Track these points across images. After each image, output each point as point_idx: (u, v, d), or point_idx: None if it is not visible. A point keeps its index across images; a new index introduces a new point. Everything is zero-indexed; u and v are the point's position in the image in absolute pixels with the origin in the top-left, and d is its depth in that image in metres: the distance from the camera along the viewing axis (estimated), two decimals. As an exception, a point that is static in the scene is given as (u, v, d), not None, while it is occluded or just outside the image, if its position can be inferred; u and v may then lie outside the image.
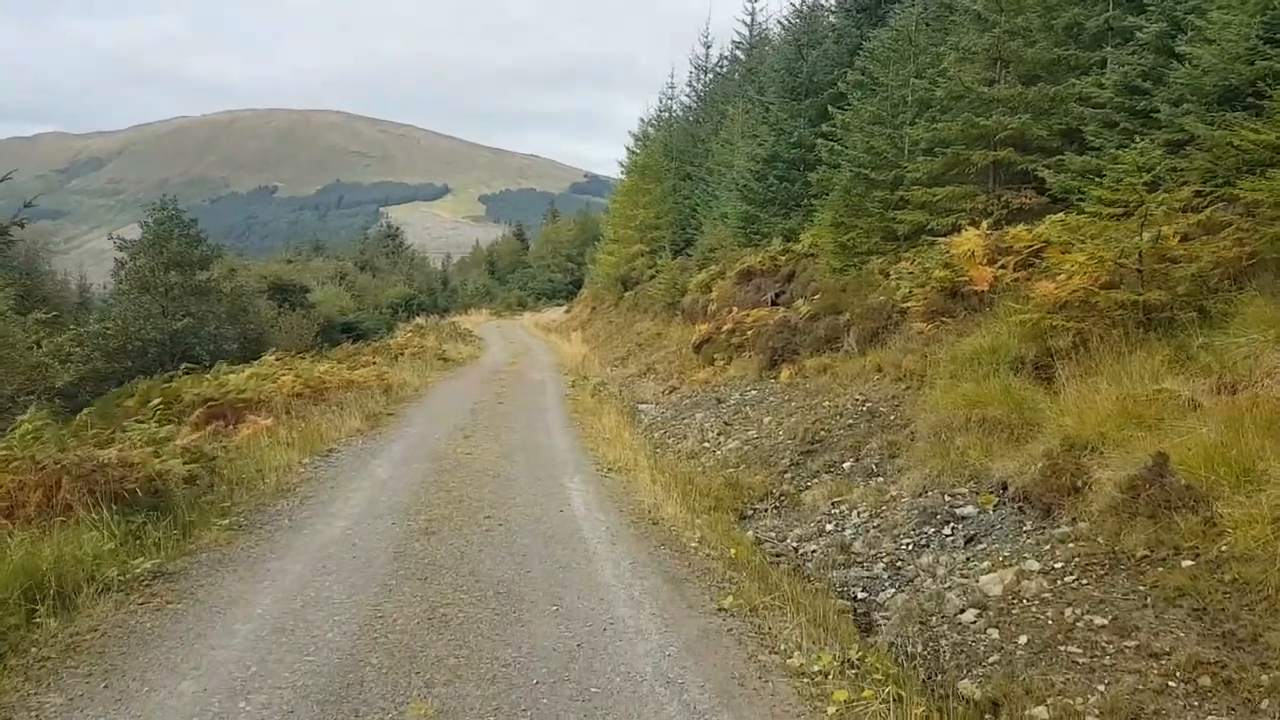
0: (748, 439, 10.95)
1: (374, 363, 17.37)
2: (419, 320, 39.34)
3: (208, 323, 22.49)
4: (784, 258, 20.85)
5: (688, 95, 44.42)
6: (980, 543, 5.92)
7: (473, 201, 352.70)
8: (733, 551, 5.58)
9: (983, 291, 10.59)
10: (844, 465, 9.40)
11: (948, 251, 10.71)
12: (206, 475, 6.92)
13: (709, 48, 46.78)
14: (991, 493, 6.61)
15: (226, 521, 6.40)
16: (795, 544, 7.38)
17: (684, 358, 21.16)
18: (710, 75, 42.86)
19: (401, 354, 20.99)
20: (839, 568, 6.45)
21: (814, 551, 7.04)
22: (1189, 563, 4.43)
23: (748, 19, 38.21)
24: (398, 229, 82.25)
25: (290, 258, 52.65)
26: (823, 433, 10.09)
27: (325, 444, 9.67)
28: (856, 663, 3.99)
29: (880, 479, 8.85)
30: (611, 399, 15.42)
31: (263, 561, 5.66)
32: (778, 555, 6.97)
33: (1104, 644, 4.09)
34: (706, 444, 11.69)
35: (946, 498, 6.87)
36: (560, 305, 63.52)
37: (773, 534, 7.82)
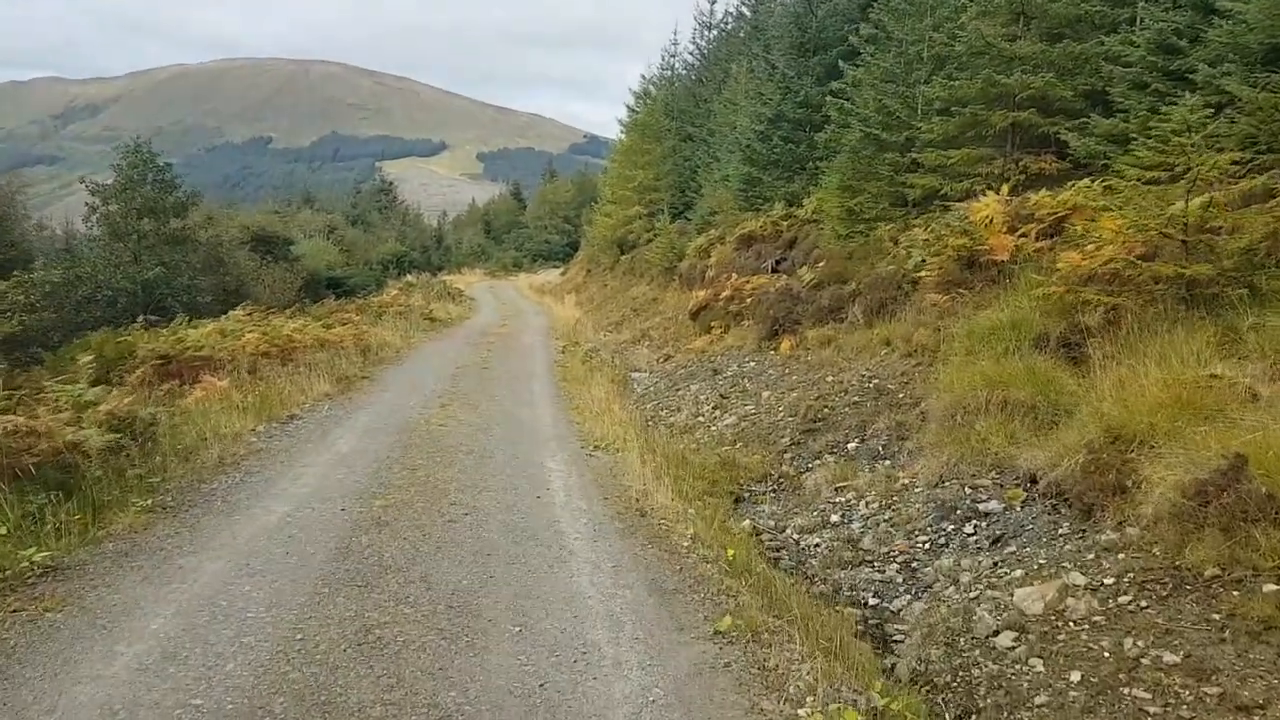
0: (745, 415, 10.22)
1: (354, 321, 16.56)
2: (409, 278, 38.44)
3: (181, 273, 21.47)
4: (786, 223, 20.06)
5: (691, 53, 43.19)
6: (1009, 545, 5.20)
7: (470, 159, 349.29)
8: (730, 553, 4.86)
9: (1002, 261, 9.81)
10: (848, 446, 8.69)
11: (965, 218, 9.90)
12: (137, 446, 6.13)
13: (714, 3, 45.50)
14: (1019, 486, 5.89)
15: (148, 502, 5.58)
16: (796, 535, 6.67)
17: (680, 325, 20.40)
18: (715, 32, 41.68)
19: (386, 312, 20.17)
20: (846, 567, 5.74)
21: (818, 546, 6.34)
22: (1273, 587, 3.72)
23: (753, -27, 36.89)
24: (391, 184, 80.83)
25: (277, 209, 51.38)
26: (826, 410, 9.36)
27: (286, 409, 8.91)
28: (881, 710, 3.26)
29: (888, 463, 8.15)
30: (603, 367, 14.66)
31: (177, 556, 4.84)
32: (777, 550, 6.26)
33: (1178, 688, 3.38)
34: (701, 418, 10.97)
35: (967, 490, 6.15)
36: (556, 267, 62.65)
37: (771, 523, 7.12)
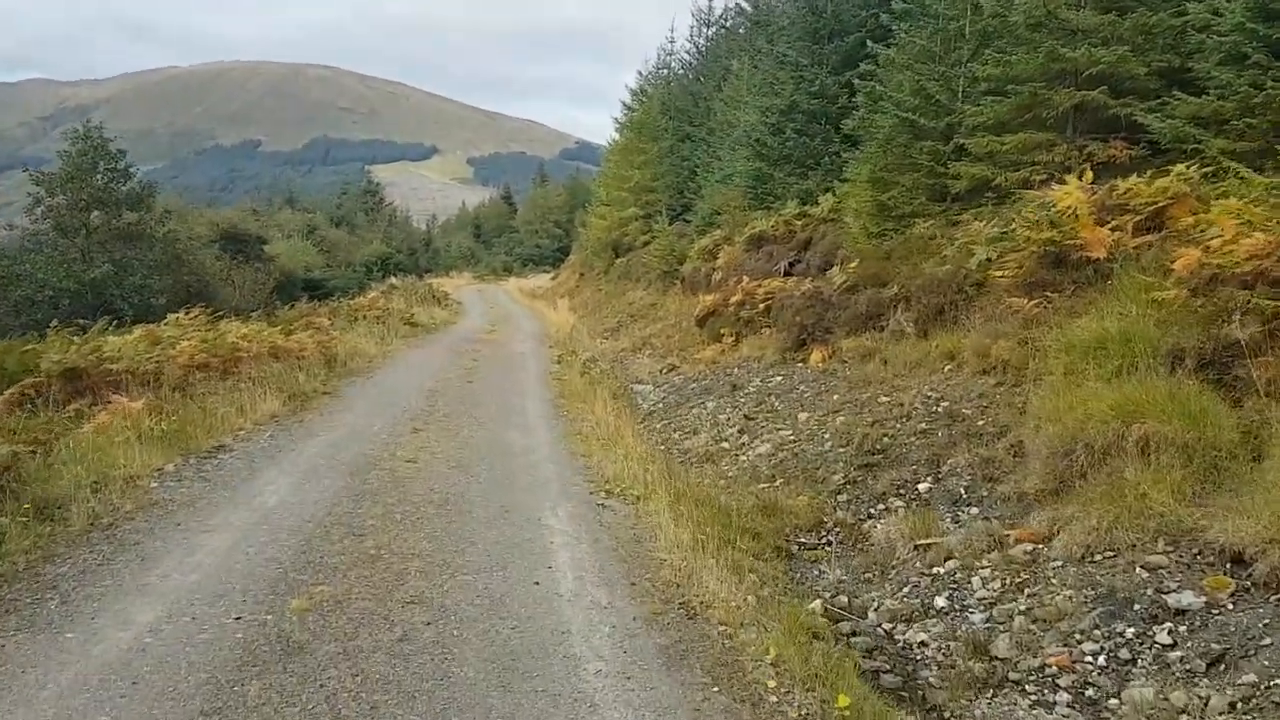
0: (782, 442, 8.48)
1: (324, 325, 14.77)
2: (393, 280, 36.63)
3: (133, 272, 19.54)
4: (800, 222, 18.37)
5: (688, 52, 41.59)
6: (1242, 671, 3.47)
7: (461, 163, 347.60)
8: (843, 702, 3.13)
9: (1098, 259, 8.11)
10: (919, 487, 6.98)
11: (1051, 207, 8.20)
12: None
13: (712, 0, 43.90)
14: (1218, 568, 4.16)
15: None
16: (888, 624, 4.93)
17: (685, 332, 18.69)
18: (713, 29, 40.10)
19: (362, 316, 18.38)
20: (983, 690, 4.00)
21: (926, 647, 4.60)
22: None
23: (754, -32, 35.25)
24: (378, 185, 79.03)
25: (256, 207, 49.40)
26: (885, 439, 7.64)
27: (213, 438, 7.15)
28: None
29: (975, 511, 6.45)
30: (605, 379, 12.92)
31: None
32: (869, 651, 4.50)
33: None
34: (725, 444, 9.23)
35: (1139, 571, 4.42)
36: (546, 271, 61.54)
37: (843, 598, 5.37)
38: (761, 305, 15.45)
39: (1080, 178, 9.78)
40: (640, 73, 40.91)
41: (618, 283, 33.42)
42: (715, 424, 10.20)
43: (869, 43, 15.20)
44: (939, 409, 7.78)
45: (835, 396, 9.23)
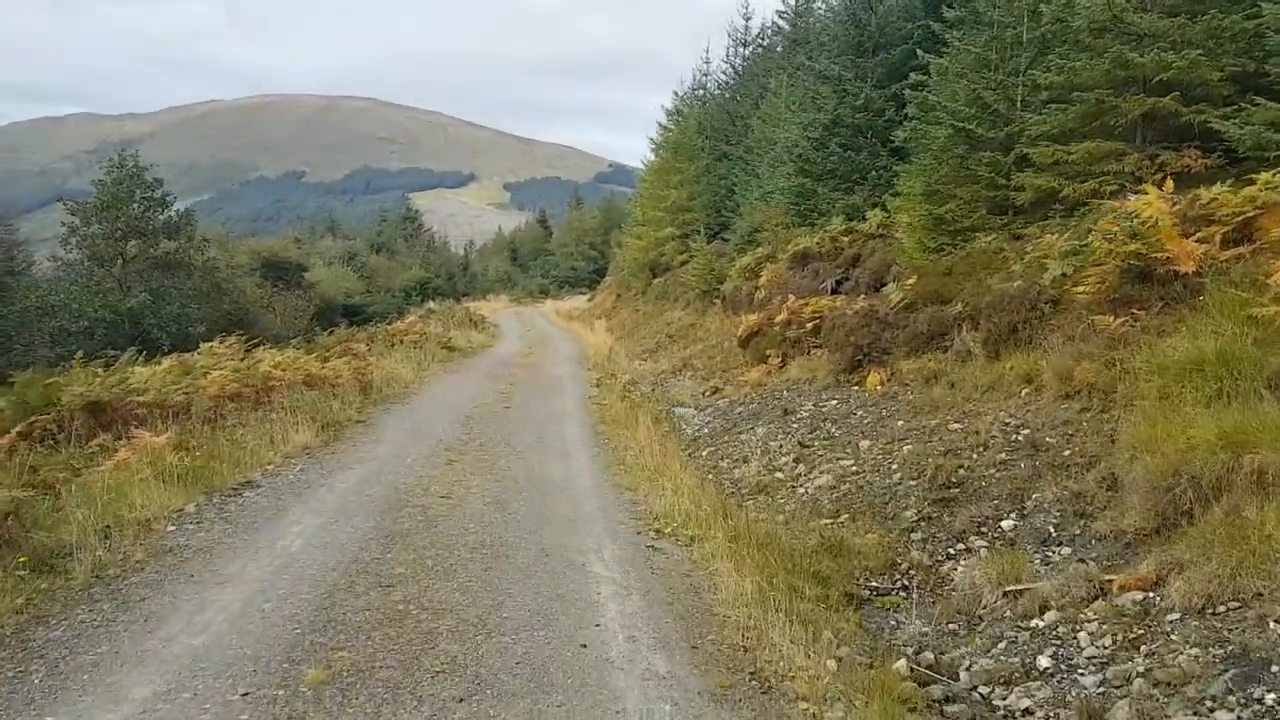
0: (844, 473, 7.87)
1: (361, 351, 14.41)
2: (431, 305, 36.47)
3: (170, 301, 19.40)
4: (847, 239, 17.78)
5: (724, 72, 41.26)
6: None
7: (497, 189, 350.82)
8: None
9: (1185, 273, 7.45)
10: (1002, 525, 6.35)
11: (1135, 217, 7.55)
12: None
13: (749, 20, 43.62)
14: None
15: None
16: (985, 688, 4.31)
17: (727, 353, 18.12)
18: (750, 49, 39.76)
19: (399, 341, 18.04)
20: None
21: (1028, 713, 3.98)
22: None
23: (793, -14, 34.84)
24: (417, 212, 79.55)
25: (298, 236, 49.67)
26: (961, 471, 7.01)
27: (241, 473, 6.72)
28: None
29: (1067, 550, 5.82)
30: (646, 403, 12.39)
31: None
32: (972, 724, 3.89)
33: None
34: (780, 474, 8.63)
35: (1275, 627, 3.77)
36: (582, 293, 61.42)
37: (929, 654, 4.75)
38: (809, 325, 14.86)
39: (1160, 187, 9.15)
40: (676, 93, 40.51)
41: (655, 303, 33.02)
42: (767, 451, 9.61)
43: (919, 52, 14.62)
44: (1019, 437, 7.14)
45: (899, 423, 8.61)
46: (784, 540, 6.34)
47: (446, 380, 14.29)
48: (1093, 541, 5.78)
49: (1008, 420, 7.45)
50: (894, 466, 7.59)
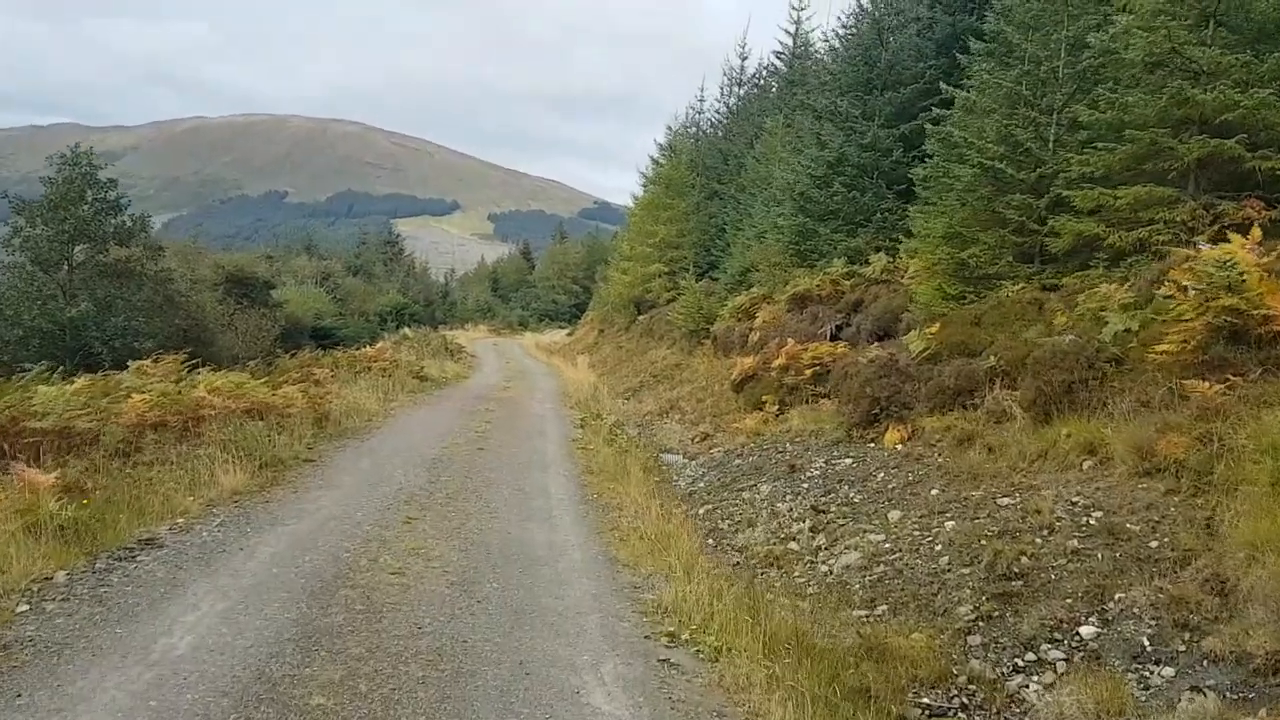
0: (875, 550, 6.70)
1: (322, 377, 13.12)
2: (406, 331, 35.14)
3: (116, 312, 17.93)
4: (849, 282, 16.78)
5: (718, 111, 40.69)
6: None
7: (481, 219, 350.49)
8: None
9: (1283, 334, 6.40)
10: (1080, 631, 5.22)
11: (1233, 268, 6.50)
12: None
13: (745, 59, 43.10)
14: None
15: None
16: None
17: (718, 396, 17.01)
18: (745, 88, 39.24)
19: (368, 368, 16.75)
20: None
21: None
22: None
23: (791, 28, 34.34)
24: (398, 236, 78.36)
25: (270, 253, 48.12)
26: (1024, 559, 5.85)
27: (143, 526, 5.45)
28: None
29: (1168, 670, 4.70)
30: (634, 448, 11.17)
31: None
32: None
33: None
34: (794, 546, 7.43)
35: None
36: (563, 327, 60.60)
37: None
38: (808, 371, 13.85)
39: (1213, 239, 8.18)
40: (669, 127, 39.87)
41: (640, 340, 32.04)
42: (775, 515, 8.42)
43: (943, 85, 13.69)
44: (1091, 521, 6.00)
45: (933, 491, 7.46)
46: (813, 637, 5.14)
47: (415, 414, 13.01)
48: (1205, 664, 4.64)
49: (1074, 499, 6.31)
50: (938, 547, 6.42)
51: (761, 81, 36.91)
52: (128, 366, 9.40)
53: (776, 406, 13.83)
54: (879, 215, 16.97)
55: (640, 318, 34.62)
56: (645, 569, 5.46)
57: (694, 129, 40.24)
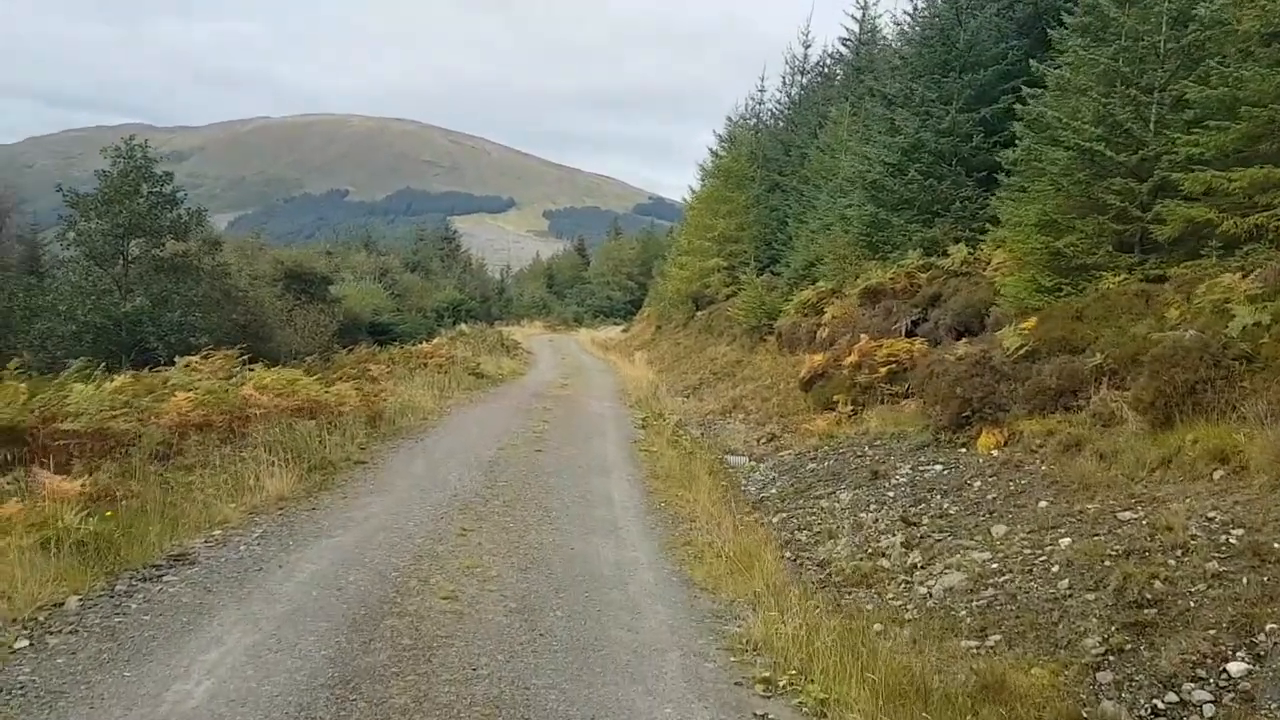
0: (980, 570, 5.99)
1: (378, 374, 12.73)
2: (463, 327, 34.92)
3: (172, 307, 17.65)
4: (925, 275, 15.90)
5: (778, 102, 39.74)
6: None
7: (537, 216, 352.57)
8: None
9: None
10: (1228, 668, 4.47)
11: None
12: None
13: (808, 48, 42.05)
14: None
15: None
16: None
17: (785, 395, 16.29)
18: (808, 77, 38.23)
19: (424, 364, 16.38)
20: None
21: None
22: None
23: (858, 13, 33.30)
24: (455, 232, 78.67)
25: (330, 248, 48.30)
26: (1157, 584, 5.10)
27: (174, 540, 5.00)
28: None
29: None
30: (699, 450, 10.55)
31: None
32: None
33: None
34: (885, 563, 6.75)
35: None
36: (618, 324, 60.15)
37: None
38: (883, 369, 13.11)
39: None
40: (729, 118, 39.02)
41: (698, 337, 31.41)
42: (859, 526, 7.73)
43: (1033, 64, 12.79)
44: (1230, 539, 5.23)
45: (1041, 504, 6.71)
46: (924, 675, 4.47)
47: (471, 412, 12.56)
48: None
49: (1209, 514, 5.54)
50: (1054, 568, 5.69)
51: (825, 70, 35.92)
52: (175, 363, 9.06)
53: (850, 406, 13.11)
54: (957, 204, 16.09)
55: (698, 313, 33.98)
56: (726, 594, 4.84)
57: (754, 120, 39.37)
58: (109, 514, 4.94)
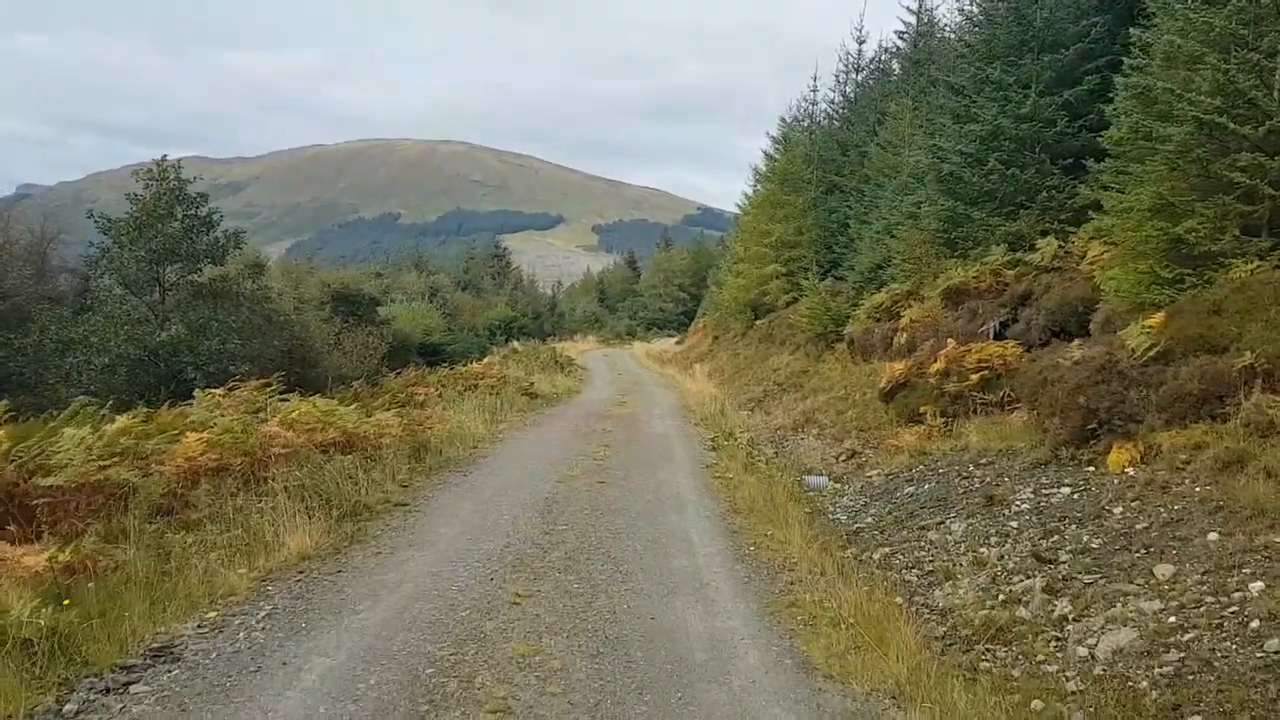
0: (1156, 625, 4.84)
1: (430, 397, 11.89)
2: (515, 344, 34.22)
3: (210, 335, 16.85)
4: (1012, 272, 14.67)
5: (831, 102, 38.51)
6: None
7: (586, 231, 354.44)
8: None
9: None
10: None
11: None
12: None
13: (862, 44, 40.75)
14: None
15: None
16: None
17: (863, 407, 15.12)
18: (863, 74, 36.96)
19: (475, 385, 15.54)
20: None
21: None
22: None
23: (914, 4, 31.99)
24: (505, 249, 78.48)
25: (380, 270, 48.01)
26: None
27: (160, 625, 4.08)
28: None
29: None
30: (780, 475, 9.50)
31: None
32: None
33: None
34: (1024, 611, 5.62)
35: None
36: (671, 335, 59.39)
37: None
38: (974, 377, 11.98)
39: None
40: (783, 119, 37.91)
41: (759, 346, 30.35)
42: (979, 563, 6.60)
43: (1131, 29, 11.54)
44: None
45: (1211, 536, 5.53)
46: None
47: (525, 437, 11.64)
48: None
49: None
50: (1253, 623, 4.53)
51: (881, 65, 34.66)
52: (194, 398, 8.27)
53: (940, 419, 11.96)
54: (1044, 194, 14.80)
55: (758, 322, 32.93)
56: (859, 683, 3.79)
57: (807, 121, 38.24)
58: (67, 603, 3.99)
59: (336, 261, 71.52)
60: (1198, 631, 4.64)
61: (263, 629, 4.36)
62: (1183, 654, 4.52)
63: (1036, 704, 4.36)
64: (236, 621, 4.40)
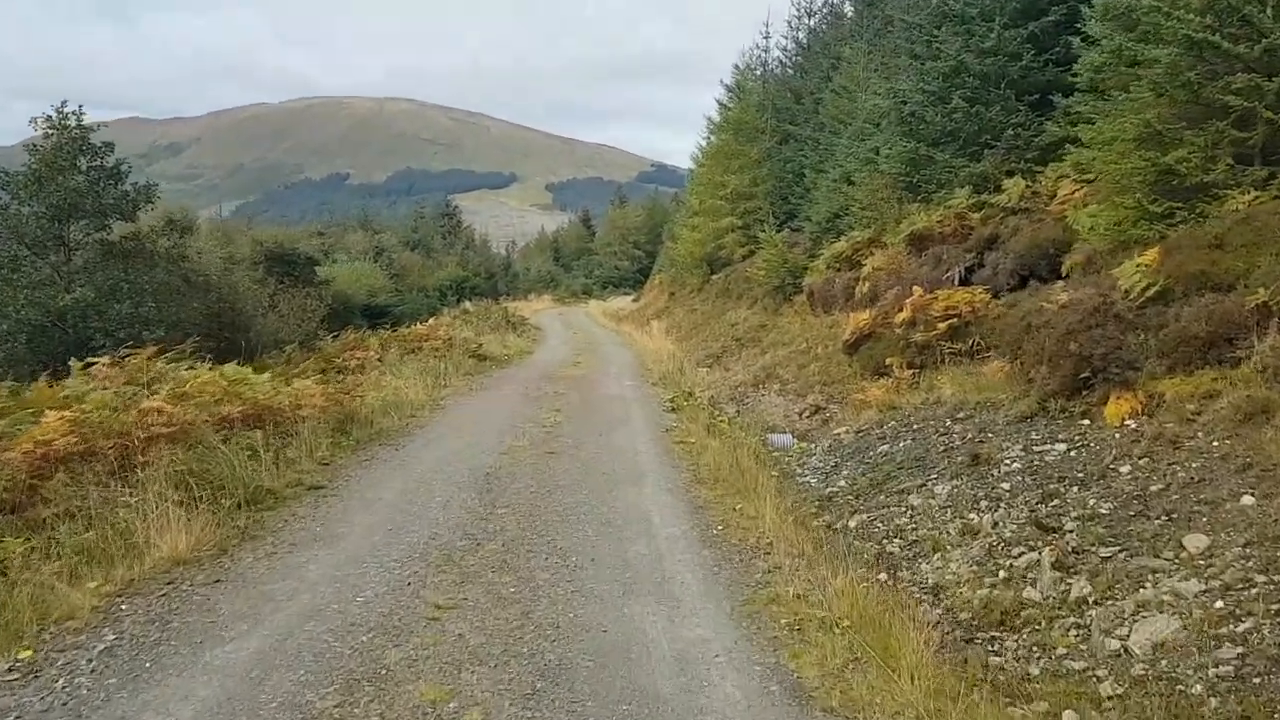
0: (1201, 613, 4.12)
1: (369, 361, 10.90)
2: (467, 305, 33.09)
3: (120, 298, 15.35)
4: (977, 215, 14.01)
5: (785, 50, 37.54)
6: None
7: (539, 190, 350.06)
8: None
9: None
10: None
11: None
12: None
13: (816, -13, 39.52)
14: None
15: None
16: None
17: (826, 360, 14.45)
18: (816, 18, 35.98)
19: (419, 348, 14.56)
20: None
21: None
22: None
23: (868, -58, 30.93)
24: (456, 209, 76.63)
25: (321, 229, 46.10)
26: None
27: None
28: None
29: None
30: (743, 434, 8.73)
31: None
32: None
33: None
34: (1032, 593, 4.90)
35: None
36: (627, 294, 58.86)
37: None
38: (941, 325, 11.35)
39: None
40: (736, 66, 36.84)
41: (715, 301, 29.67)
42: (970, 532, 5.89)
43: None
44: None
45: (1245, 499, 4.83)
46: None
47: (469, 404, 10.72)
48: None
49: None
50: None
51: (834, 7, 33.71)
52: (70, 371, 7.21)
53: (907, 370, 11.33)
54: (1010, 132, 14.10)
55: (714, 277, 32.28)
56: (867, 715, 2.98)
57: (760, 70, 37.26)
58: None
59: (281, 224, 69.40)
60: (1254, 620, 3.92)
61: (92, 672, 3.32)
62: (1241, 649, 3.80)
63: (1069, 715, 3.63)
64: (60, 662, 3.40)
